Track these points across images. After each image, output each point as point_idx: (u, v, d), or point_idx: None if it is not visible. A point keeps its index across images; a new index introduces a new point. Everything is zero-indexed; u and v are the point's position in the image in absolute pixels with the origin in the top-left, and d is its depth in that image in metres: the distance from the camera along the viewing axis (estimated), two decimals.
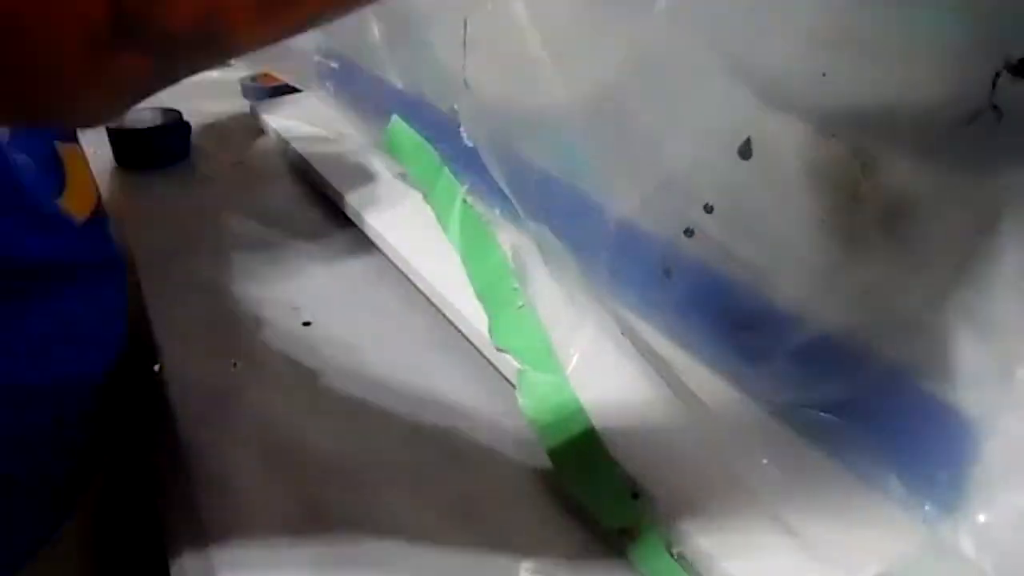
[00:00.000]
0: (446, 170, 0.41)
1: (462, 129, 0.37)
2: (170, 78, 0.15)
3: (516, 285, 0.34)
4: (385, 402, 0.36)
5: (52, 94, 0.14)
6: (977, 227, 0.19)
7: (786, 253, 0.25)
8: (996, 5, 0.18)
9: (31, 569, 0.31)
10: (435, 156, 0.42)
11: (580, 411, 0.30)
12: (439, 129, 0.43)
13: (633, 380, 0.31)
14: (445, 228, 0.40)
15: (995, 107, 0.18)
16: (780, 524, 0.24)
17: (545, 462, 0.31)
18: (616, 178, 0.30)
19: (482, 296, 0.36)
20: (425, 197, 0.42)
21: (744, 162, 0.24)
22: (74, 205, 0.32)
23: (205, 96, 0.74)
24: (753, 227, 0.25)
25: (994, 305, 0.19)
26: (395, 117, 0.44)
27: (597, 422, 0.29)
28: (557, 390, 0.31)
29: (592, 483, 0.28)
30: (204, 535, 0.30)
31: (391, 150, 0.45)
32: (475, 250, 0.38)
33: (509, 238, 0.37)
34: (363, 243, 0.48)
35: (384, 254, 0.46)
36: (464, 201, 0.39)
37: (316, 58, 0.56)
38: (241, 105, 0.71)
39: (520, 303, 0.34)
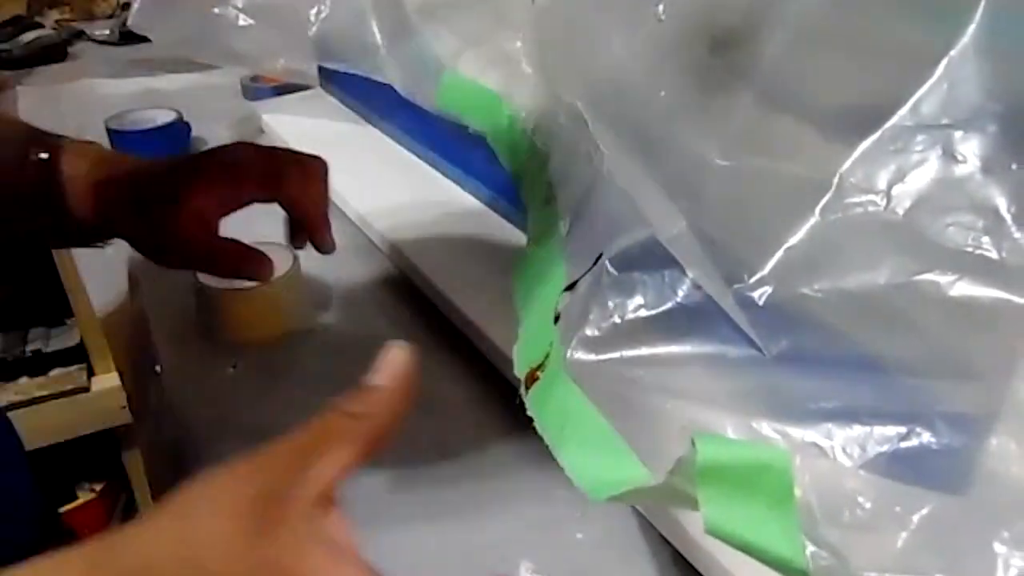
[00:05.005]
0: (505, 107, 0.41)
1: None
2: None
3: (549, 180, 0.35)
4: None
5: None
6: None
7: None
8: None
9: None
10: (494, 97, 0.42)
11: None
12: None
13: None
14: (507, 160, 0.41)
15: None
16: None
17: (546, 458, 0.31)
18: None
19: (527, 204, 0.38)
20: (487, 138, 0.42)
21: None
22: None
23: (205, 96, 0.74)
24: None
25: None
26: (447, 72, 0.44)
27: None
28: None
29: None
30: None
31: (445, 105, 0.45)
32: (530, 172, 0.38)
33: None
34: (364, 243, 0.48)
35: (384, 255, 0.46)
36: (525, 131, 0.39)
37: (315, 59, 0.56)
38: (241, 105, 0.71)
39: (547, 196, 0.35)
